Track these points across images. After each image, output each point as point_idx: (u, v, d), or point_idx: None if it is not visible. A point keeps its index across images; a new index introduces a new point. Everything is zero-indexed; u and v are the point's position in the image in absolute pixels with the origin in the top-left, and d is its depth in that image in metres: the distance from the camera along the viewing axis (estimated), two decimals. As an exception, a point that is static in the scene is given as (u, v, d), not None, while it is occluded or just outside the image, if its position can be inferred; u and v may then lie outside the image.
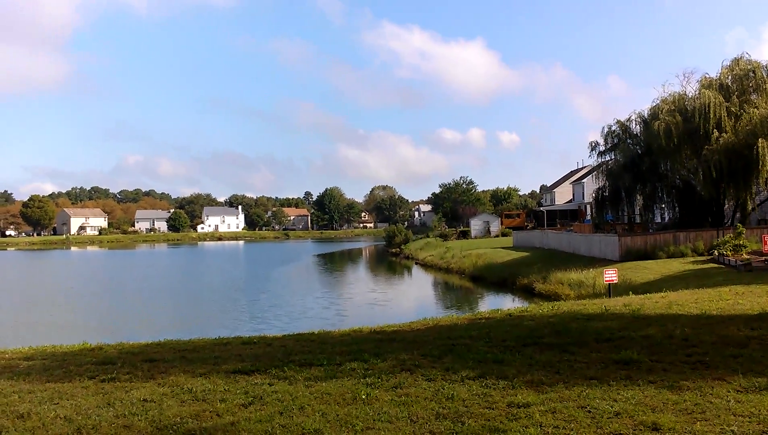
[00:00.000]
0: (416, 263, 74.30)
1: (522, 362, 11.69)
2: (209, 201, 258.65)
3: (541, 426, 7.92)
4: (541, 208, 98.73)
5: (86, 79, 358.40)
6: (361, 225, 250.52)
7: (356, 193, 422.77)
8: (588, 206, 70.58)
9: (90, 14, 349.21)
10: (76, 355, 15.29)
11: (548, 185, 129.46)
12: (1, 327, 32.81)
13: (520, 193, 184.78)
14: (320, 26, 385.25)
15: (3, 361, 14.73)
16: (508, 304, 36.53)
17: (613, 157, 50.40)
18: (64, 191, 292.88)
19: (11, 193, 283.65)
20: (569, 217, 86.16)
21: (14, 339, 25.99)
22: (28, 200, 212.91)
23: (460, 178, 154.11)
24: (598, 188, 51.65)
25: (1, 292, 52.95)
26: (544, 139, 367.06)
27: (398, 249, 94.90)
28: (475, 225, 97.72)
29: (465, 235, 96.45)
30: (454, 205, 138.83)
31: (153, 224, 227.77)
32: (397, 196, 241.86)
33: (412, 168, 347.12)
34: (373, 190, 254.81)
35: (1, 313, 38.54)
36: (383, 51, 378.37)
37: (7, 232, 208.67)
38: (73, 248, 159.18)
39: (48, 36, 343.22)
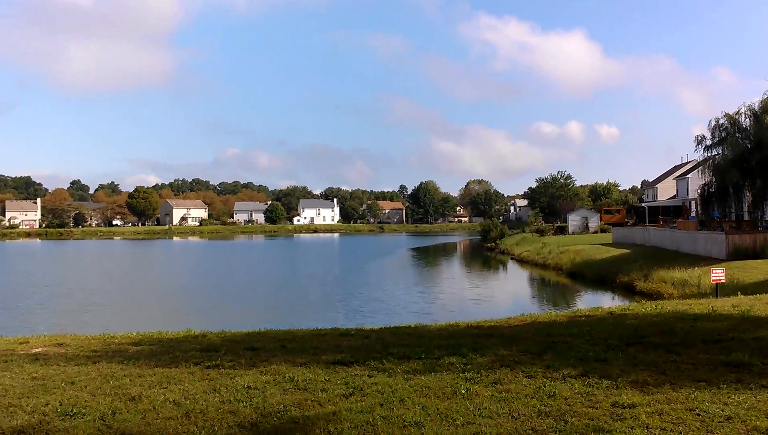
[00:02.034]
0: (512, 258, 73.50)
1: (626, 362, 11.40)
2: (305, 193, 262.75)
3: (647, 428, 7.70)
4: (643, 204, 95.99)
5: (188, 74, 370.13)
6: (456, 219, 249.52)
7: (451, 187, 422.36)
8: (692, 202, 68.22)
9: (192, 10, 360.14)
10: (181, 342, 15.76)
11: (650, 180, 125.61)
12: (111, 313, 34.20)
13: (620, 188, 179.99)
14: (415, 19, 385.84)
15: (113, 346, 15.32)
16: (607, 302, 35.70)
17: (720, 151, 48.44)
18: (167, 183, 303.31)
19: (118, 185, 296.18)
20: (672, 213, 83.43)
21: (122, 324, 27.04)
22: (134, 191, 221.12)
23: (558, 172, 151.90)
24: (704, 184, 49.80)
25: (110, 279, 55.24)
26: (646, 132, 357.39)
27: (493, 244, 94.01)
28: (573, 220, 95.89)
29: (562, 230, 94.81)
30: (551, 200, 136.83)
31: (251, 216, 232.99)
32: (492, 191, 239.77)
33: (508, 162, 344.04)
34: (468, 184, 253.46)
35: (110, 300, 40.19)
36: (479, 43, 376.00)
37: (114, 222, 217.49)
38: (175, 238, 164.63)
39: (153, 32, 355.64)
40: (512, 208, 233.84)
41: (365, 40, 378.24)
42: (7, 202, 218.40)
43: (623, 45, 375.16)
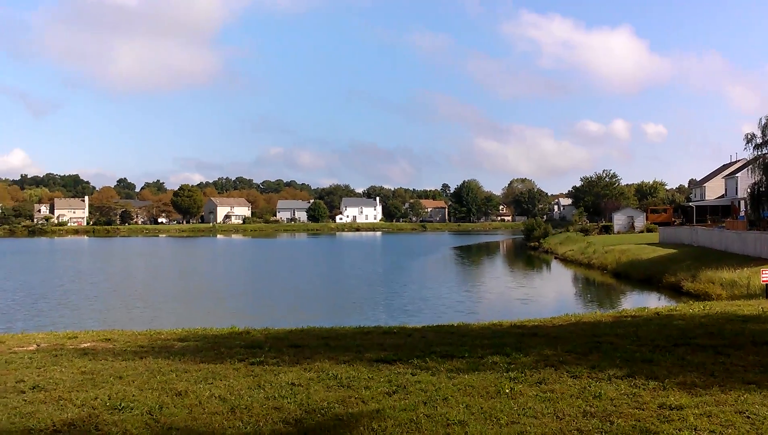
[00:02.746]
0: (555, 258, 72.87)
1: (673, 363, 11.26)
2: (347, 192, 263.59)
3: (695, 429, 7.60)
4: (690, 204, 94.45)
5: (233, 73, 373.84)
6: (499, 218, 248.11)
7: (494, 186, 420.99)
8: (742, 202, 66.90)
9: (237, 8, 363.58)
10: (225, 338, 15.95)
11: (698, 179, 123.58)
12: (156, 309, 34.70)
13: (667, 187, 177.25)
14: (457, 17, 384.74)
15: (159, 342, 15.56)
16: (653, 302, 35.19)
17: (771, 150, 47.49)
18: (211, 181, 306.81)
19: (163, 183, 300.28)
20: (720, 213, 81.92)
21: (168, 320, 27.46)
22: (178, 190, 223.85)
23: (603, 171, 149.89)
24: (754, 183, 48.84)
25: (156, 276, 56.08)
26: (694, 131, 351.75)
27: (537, 243, 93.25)
28: (618, 220, 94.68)
29: (607, 230, 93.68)
30: (596, 199, 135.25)
31: (293, 214, 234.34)
32: (536, 190, 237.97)
33: (552, 161, 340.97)
34: (511, 182, 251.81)
35: (155, 296, 40.78)
36: (522, 41, 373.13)
37: (159, 220, 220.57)
38: (218, 236, 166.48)
39: (198, 31, 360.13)
40: (556, 207, 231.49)
41: (408, 38, 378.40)
42: (56, 200, 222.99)
43: (671, 41, 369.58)
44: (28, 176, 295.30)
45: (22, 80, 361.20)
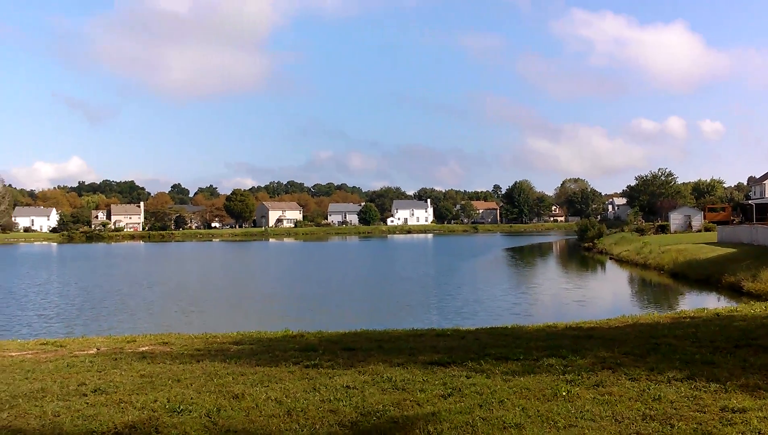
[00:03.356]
0: (610, 258, 71.83)
1: (734, 365, 11.01)
2: (398, 194, 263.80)
3: (759, 433, 7.45)
4: (749, 202, 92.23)
5: (283, 78, 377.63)
6: (552, 218, 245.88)
7: (546, 186, 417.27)
8: (803, 199, 65.06)
9: (286, 13, 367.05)
10: (280, 341, 16.09)
11: (757, 177, 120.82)
12: (211, 312, 35.17)
13: (725, 185, 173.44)
14: (508, 17, 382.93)
15: (215, 345, 15.76)
16: (712, 303, 34.44)
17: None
18: (262, 185, 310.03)
19: (216, 188, 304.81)
20: (781, 211, 79.87)
21: (223, 324, 27.77)
22: (231, 194, 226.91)
23: (658, 169, 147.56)
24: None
25: (210, 280, 56.85)
26: (754, 127, 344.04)
27: (591, 243, 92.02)
28: (675, 219, 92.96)
29: (663, 229, 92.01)
30: (652, 198, 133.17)
31: (345, 217, 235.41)
32: (589, 189, 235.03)
33: (606, 160, 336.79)
34: (564, 182, 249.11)
35: (210, 300, 41.34)
36: (574, 39, 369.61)
37: (213, 224, 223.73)
38: (271, 240, 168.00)
39: (248, 37, 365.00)
40: (610, 206, 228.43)
41: (458, 40, 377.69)
42: (112, 205, 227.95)
43: (727, 35, 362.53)
44: (86, 183, 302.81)
45: (78, 89, 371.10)
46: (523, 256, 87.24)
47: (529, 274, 59.68)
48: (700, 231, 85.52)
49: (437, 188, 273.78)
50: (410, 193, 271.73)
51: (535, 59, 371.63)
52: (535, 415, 8.40)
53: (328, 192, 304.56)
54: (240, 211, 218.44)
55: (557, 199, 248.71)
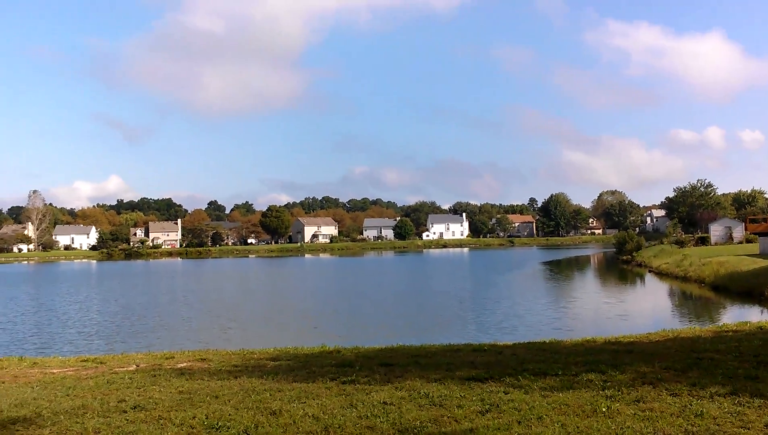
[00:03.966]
0: (649, 271, 70.93)
1: (779, 380, 10.77)
2: (433, 209, 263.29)
3: (806, 451, 7.23)
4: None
5: (317, 94, 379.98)
6: (589, 231, 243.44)
7: (583, 199, 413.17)
8: None
9: (319, 30, 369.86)
10: (316, 357, 16.11)
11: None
12: (249, 328, 35.36)
13: (767, 195, 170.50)
14: (541, 29, 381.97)
15: (252, 361, 15.84)
16: (755, 316, 33.75)
17: None
18: (298, 201, 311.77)
19: (251, 204, 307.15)
20: (825, 221, 78.28)
21: (260, 340, 27.91)
22: (267, 210, 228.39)
23: (697, 181, 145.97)
24: None
25: (247, 296, 57.19)
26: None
27: (629, 256, 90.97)
28: (715, 231, 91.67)
29: (703, 241, 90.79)
30: (691, 209, 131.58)
31: (380, 232, 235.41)
32: (626, 201, 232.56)
33: (643, 172, 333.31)
34: (601, 195, 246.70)
35: (247, 316, 41.57)
36: (609, 50, 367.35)
37: (249, 240, 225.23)
38: (306, 255, 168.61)
39: (282, 55, 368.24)
40: (648, 218, 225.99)
41: (491, 53, 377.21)
42: (150, 223, 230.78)
43: (766, 44, 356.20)
44: (124, 201, 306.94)
45: (117, 109, 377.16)
46: (561, 270, 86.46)
47: (567, 288, 59.13)
48: (741, 242, 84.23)
49: (472, 202, 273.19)
50: (445, 207, 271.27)
51: (570, 71, 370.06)
52: (574, 431, 8.31)
53: (363, 207, 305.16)
54: (276, 227, 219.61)
55: (594, 212, 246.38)
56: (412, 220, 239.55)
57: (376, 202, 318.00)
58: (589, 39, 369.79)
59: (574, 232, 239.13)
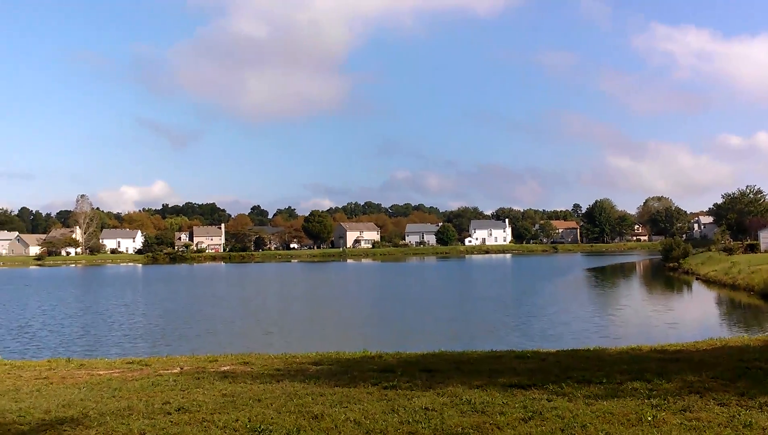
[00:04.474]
0: (696, 279, 69.73)
1: (832, 391, 10.49)
2: (476, 214, 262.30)
3: None
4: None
5: (360, 98, 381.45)
6: (634, 238, 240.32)
7: (628, 205, 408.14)
8: None
9: (362, 34, 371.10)
10: (358, 362, 16.12)
11: None
12: (291, 333, 35.52)
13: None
14: (586, 33, 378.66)
15: (295, 365, 15.91)
16: (806, 325, 32.98)
17: None
18: (340, 206, 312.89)
19: (294, 209, 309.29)
20: None
21: (302, 344, 28.03)
22: (309, 215, 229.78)
23: (746, 187, 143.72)
24: None
25: (289, 300, 57.51)
26: None
27: (676, 263, 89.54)
28: (765, 238, 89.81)
29: (753, 248, 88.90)
30: (740, 216, 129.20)
31: (422, 237, 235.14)
32: (673, 208, 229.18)
33: (691, 177, 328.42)
34: (646, 201, 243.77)
35: (289, 320, 41.78)
36: (656, 54, 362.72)
37: (291, 245, 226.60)
38: (348, 260, 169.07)
39: (325, 59, 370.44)
40: (696, 225, 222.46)
41: (535, 57, 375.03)
42: (194, 227, 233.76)
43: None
44: (169, 205, 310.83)
45: (162, 114, 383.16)
46: (606, 277, 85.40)
47: (611, 295, 58.38)
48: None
49: (515, 208, 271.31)
50: (488, 212, 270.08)
51: (616, 75, 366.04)
52: (619, 440, 8.18)
53: (405, 212, 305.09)
54: (318, 232, 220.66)
55: (640, 218, 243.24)
56: (455, 226, 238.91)
57: (419, 208, 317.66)
58: (635, 43, 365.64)
59: (619, 238, 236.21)
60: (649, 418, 9.09)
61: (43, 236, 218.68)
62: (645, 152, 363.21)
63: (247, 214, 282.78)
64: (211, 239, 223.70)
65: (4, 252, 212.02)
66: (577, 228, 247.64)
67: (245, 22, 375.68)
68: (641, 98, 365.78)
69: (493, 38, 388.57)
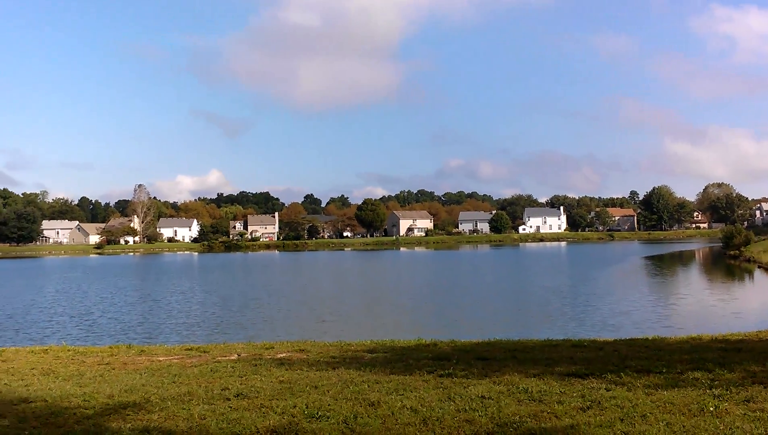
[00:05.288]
0: (759, 267, 68.02)
1: None
2: (530, 202, 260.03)
3: None
4: None
5: (413, 86, 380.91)
6: (693, 225, 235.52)
7: (687, 192, 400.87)
8: None
9: (415, 20, 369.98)
10: (413, 350, 16.15)
11: None
12: (345, 321, 35.72)
13: None
14: (642, 17, 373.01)
15: (350, 353, 16.00)
16: None
17: None
18: (393, 195, 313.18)
19: (347, 198, 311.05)
20: None
21: (356, 332, 28.16)
22: (362, 204, 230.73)
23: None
24: None
25: (342, 288, 57.84)
26: None
27: (737, 251, 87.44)
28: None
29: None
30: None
31: (475, 225, 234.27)
32: (734, 194, 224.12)
33: (753, 163, 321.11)
34: (706, 187, 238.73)
35: (343, 308, 42.01)
36: (716, 37, 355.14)
37: (344, 234, 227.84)
38: (402, 249, 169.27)
39: (378, 47, 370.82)
40: (758, 212, 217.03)
41: (590, 42, 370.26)
42: (249, 216, 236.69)
43: None
44: (224, 195, 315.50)
45: (216, 104, 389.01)
46: (664, 265, 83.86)
47: (670, 284, 57.32)
48: None
49: (570, 195, 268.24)
50: (542, 200, 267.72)
51: (673, 59, 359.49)
52: (680, 430, 8.06)
53: (458, 200, 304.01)
54: (371, 220, 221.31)
55: (699, 205, 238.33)
56: (508, 214, 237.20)
57: (472, 196, 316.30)
58: (693, 25, 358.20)
59: (678, 225, 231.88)
60: (711, 409, 8.92)
61: (103, 225, 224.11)
62: (705, 138, 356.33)
63: (300, 202, 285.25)
64: (265, 228, 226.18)
65: (65, 241, 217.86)
66: (634, 215, 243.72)
67: (297, 11, 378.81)
68: (701, 82, 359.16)
69: (547, 24, 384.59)
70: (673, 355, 13.79)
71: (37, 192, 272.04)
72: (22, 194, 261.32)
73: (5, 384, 12.96)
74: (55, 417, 9.92)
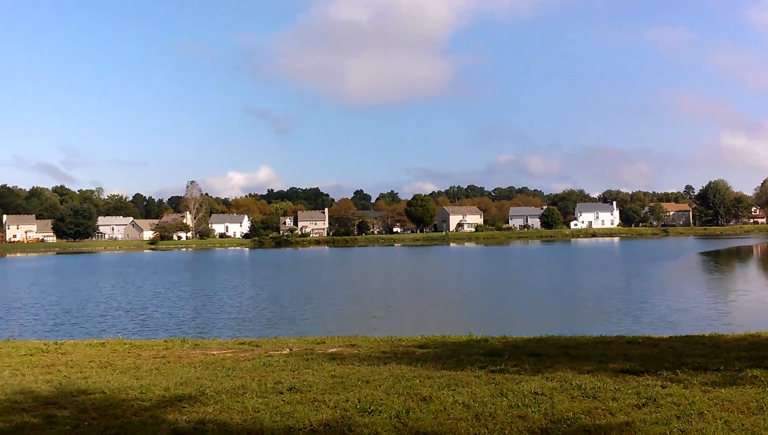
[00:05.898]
0: (818, 263, 66.20)
1: None
2: (582, 197, 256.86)
3: None
4: None
5: (462, 81, 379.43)
6: (751, 220, 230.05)
7: (745, 186, 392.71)
8: None
9: (465, 15, 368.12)
10: (464, 346, 16.12)
11: None
12: (396, 316, 35.76)
13: None
14: (697, 8, 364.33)
15: (400, 348, 16.04)
16: None
17: None
18: (442, 190, 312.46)
19: (396, 193, 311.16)
20: None
21: (406, 327, 28.18)
22: (412, 199, 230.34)
23: None
24: None
25: (393, 284, 57.93)
26: None
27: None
28: None
29: None
30: None
31: (526, 221, 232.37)
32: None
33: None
34: (764, 182, 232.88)
35: (394, 303, 42.07)
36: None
37: (394, 229, 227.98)
38: (452, 244, 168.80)
39: (427, 42, 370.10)
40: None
41: (644, 35, 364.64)
42: (299, 212, 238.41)
43: None
44: (274, 191, 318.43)
45: (266, 101, 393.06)
46: (721, 261, 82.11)
47: (727, 280, 56.14)
48: None
49: (623, 190, 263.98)
50: (594, 195, 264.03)
51: (730, 50, 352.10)
52: (739, 428, 7.91)
53: (508, 195, 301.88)
54: (421, 215, 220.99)
55: (757, 200, 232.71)
56: (560, 209, 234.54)
57: (522, 191, 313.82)
58: (750, 16, 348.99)
59: (735, 221, 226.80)
60: (771, 407, 8.73)
61: (156, 221, 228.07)
62: (763, 130, 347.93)
63: (349, 198, 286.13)
64: (315, 223, 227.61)
65: (120, 236, 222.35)
66: (689, 210, 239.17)
67: (345, 7, 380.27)
68: (758, 74, 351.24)
69: (599, 16, 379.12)
70: (731, 352, 13.52)
71: (93, 189, 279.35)
72: (79, 191, 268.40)
73: (65, 376, 13.29)
74: (113, 409, 10.14)
